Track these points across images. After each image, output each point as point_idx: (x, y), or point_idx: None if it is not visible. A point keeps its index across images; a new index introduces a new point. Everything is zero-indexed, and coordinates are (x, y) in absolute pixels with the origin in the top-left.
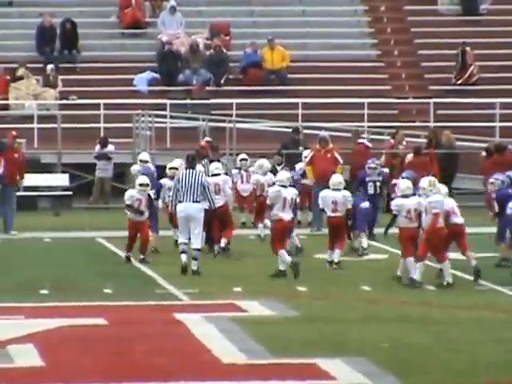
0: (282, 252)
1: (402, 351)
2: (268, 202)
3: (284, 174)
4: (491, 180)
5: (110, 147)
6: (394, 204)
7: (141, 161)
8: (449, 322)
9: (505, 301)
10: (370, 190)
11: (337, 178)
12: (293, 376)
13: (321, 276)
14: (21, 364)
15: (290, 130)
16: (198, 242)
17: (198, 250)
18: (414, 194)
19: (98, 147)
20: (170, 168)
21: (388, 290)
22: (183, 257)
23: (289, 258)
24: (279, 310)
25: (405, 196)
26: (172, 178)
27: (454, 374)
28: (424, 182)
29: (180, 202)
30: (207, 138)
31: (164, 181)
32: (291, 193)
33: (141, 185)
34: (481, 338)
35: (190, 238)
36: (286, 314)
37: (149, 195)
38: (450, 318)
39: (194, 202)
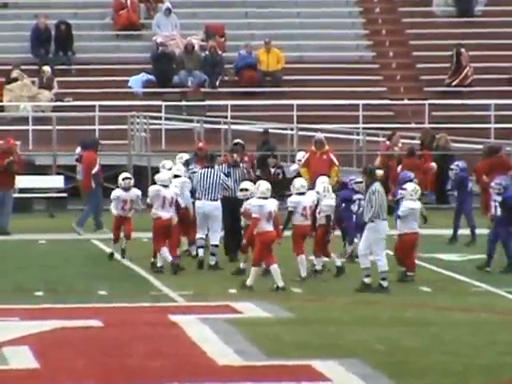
0: (164, 250)
1: (397, 353)
2: (148, 200)
3: (164, 174)
4: (493, 184)
5: None
6: (289, 201)
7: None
8: (444, 324)
9: (500, 303)
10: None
11: (299, 182)
12: (288, 378)
13: (315, 278)
14: (15, 366)
15: (288, 130)
16: (215, 238)
17: (216, 245)
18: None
19: (78, 149)
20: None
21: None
22: (200, 251)
23: (169, 257)
24: (274, 312)
25: (300, 193)
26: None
27: (448, 376)
28: (319, 187)
29: (198, 199)
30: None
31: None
32: (172, 192)
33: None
34: (476, 340)
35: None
36: (281, 316)
37: (177, 200)
38: (444, 319)
39: (211, 200)
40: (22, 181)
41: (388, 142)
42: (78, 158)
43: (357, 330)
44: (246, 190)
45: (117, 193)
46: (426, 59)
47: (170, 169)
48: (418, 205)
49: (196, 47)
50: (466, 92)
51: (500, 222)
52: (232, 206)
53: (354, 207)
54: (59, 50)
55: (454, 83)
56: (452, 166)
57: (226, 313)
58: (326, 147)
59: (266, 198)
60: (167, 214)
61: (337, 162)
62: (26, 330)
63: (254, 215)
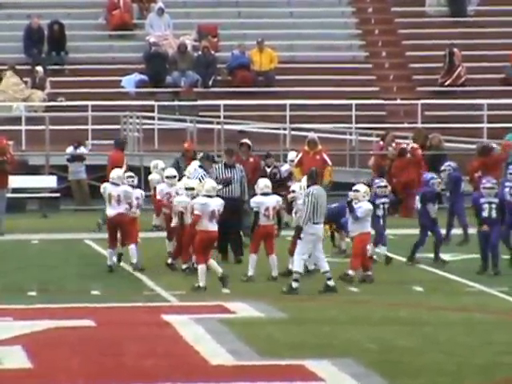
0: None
1: (391, 353)
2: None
3: (117, 172)
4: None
5: (83, 149)
6: (253, 201)
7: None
8: (437, 324)
9: (494, 302)
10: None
11: (263, 182)
12: (280, 377)
13: (307, 277)
14: (9, 366)
15: (281, 130)
16: None
17: None
18: (274, 193)
19: (70, 149)
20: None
21: (375, 291)
22: None
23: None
24: (267, 312)
25: (264, 194)
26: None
27: (442, 376)
28: (295, 186)
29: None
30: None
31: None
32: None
33: (168, 177)
34: (470, 339)
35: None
36: (274, 316)
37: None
38: (438, 319)
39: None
40: (15, 181)
41: (381, 142)
42: (69, 158)
43: (350, 330)
44: (192, 189)
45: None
46: (418, 59)
47: (163, 169)
48: (269, 199)
49: (189, 47)
50: (458, 92)
51: (494, 223)
52: (228, 206)
53: (380, 211)
54: (52, 49)
55: (446, 83)
56: (443, 167)
57: (218, 313)
58: (319, 147)
59: (210, 197)
60: (113, 211)
61: (330, 162)
62: (19, 329)
63: (196, 212)
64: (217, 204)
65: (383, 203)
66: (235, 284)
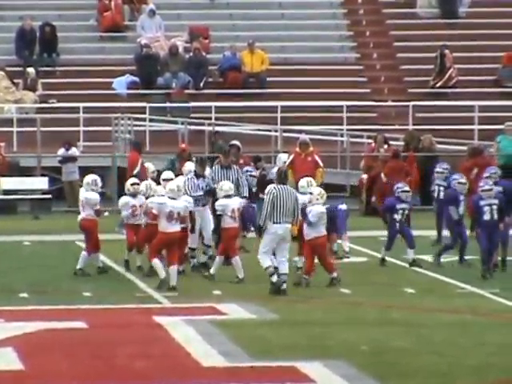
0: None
1: (383, 354)
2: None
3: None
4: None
5: (74, 149)
6: (218, 204)
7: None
8: (430, 325)
9: (486, 304)
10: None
11: (227, 185)
12: (272, 379)
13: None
14: (0, 367)
15: (272, 132)
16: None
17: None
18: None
19: (61, 150)
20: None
21: (368, 293)
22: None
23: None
24: (259, 313)
25: (228, 196)
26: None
27: (435, 378)
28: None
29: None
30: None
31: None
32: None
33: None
34: (463, 341)
35: None
36: (266, 317)
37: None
38: (430, 321)
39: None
40: (7, 182)
41: (373, 144)
42: (61, 160)
43: (342, 331)
44: (138, 184)
45: (125, 199)
46: (409, 61)
47: (152, 172)
48: (233, 201)
49: (180, 49)
50: (450, 93)
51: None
52: None
53: (398, 216)
54: (43, 51)
55: (438, 85)
56: (440, 169)
57: (210, 314)
58: (311, 148)
59: (173, 198)
60: (83, 213)
61: (321, 164)
62: (11, 331)
63: (153, 211)
64: (178, 206)
65: (403, 209)
66: (226, 286)
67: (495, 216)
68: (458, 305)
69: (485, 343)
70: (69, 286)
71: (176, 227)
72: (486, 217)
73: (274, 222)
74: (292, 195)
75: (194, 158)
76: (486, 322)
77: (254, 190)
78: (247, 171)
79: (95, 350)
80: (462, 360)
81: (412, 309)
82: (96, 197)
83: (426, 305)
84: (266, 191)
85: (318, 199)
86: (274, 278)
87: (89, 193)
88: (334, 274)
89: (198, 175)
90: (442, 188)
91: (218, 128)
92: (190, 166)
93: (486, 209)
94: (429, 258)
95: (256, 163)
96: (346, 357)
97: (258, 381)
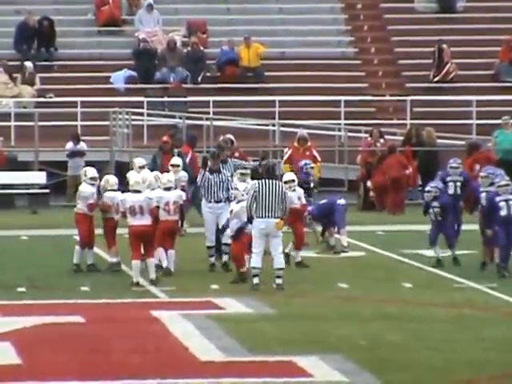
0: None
1: (380, 349)
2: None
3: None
4: (428, 188)
5: (82, 144)
6: (154, 196)
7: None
8: (427, 320)
9: (482, 298)
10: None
11: (167, 177)
12: (269, 373)
13: (297, 273)
14: None
15: (270, 126)
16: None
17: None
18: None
19: (70, 144)
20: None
21: (365, 287)
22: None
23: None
24: (256, 308)
25: (167, 189)
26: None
27: (431, 372)
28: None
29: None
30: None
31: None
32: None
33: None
34: (458, 335)
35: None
36: (263, 312)
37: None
38: (427, 315)
39: (216, 202)
40: (4, 177)
41: (369, 139)
42: (68, 154)
43: (339, 326)
44: (95, 179)
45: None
46: (407, 55)
47: (142, 166)
48: (170, 194)
49: (178, 43)
50: (447, 88)
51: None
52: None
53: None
54: (41, 45)
55: (435, 79)
56: (455, 164)
57: (208, 308)
58: (309, 143)
59: (137, 191)
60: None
61: (319, 158)
62: (9, 325)
63: (120, 209)
64: (137, 199)
65: (433, 207)
66: (224, 280)
67: None
68: (455, 299)
69: (482, 338)
70: (66, 281)
71: (141, 220)
72: (503, 212)
73: (257, 217)
74: (278, 190)
75: (175, 151)
76: (483, 316)
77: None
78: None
79: (93, 344)
80: (459, 355)
81: (409, 303)
82: (89, 190)
83: (423, 299)
84: (250, 186)
85: (243, 195)
86: (255, 280)
87: (83, 185)
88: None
89: (212, 170)
90: (458, 184)
91: (215, 123)
92: (176, 160)
93: (503, 204)
94: (426, 252)
95: (261, 161)
96: (343, 351)
97: (255, 375)
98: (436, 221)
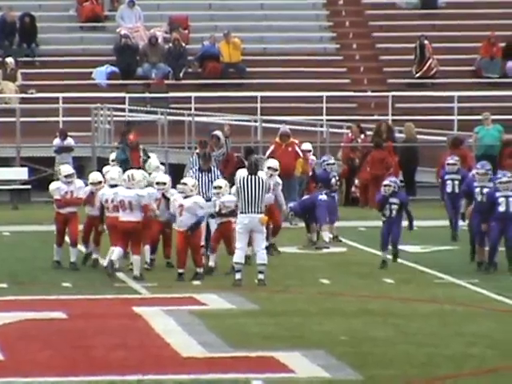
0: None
1: (362, 344)
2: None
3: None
4: (386, 183)
5: (70, 140)
6: (100, 192)
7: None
8: (409, 315)
9: (464, 294)
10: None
11: (111, 174)
12: (251, 369)
13: (280, 269)
14: None
15: (252, 122)
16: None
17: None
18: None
19: (57, 140)
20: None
21: (347, 283)
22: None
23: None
24: (238, 304)
25: (112, 186)
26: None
27: (413, 367)
28: (221, 182)
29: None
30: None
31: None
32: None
33: (158, 183)
34: (440, 331)
35: None
36: (245, 308)
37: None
38: (409, 311)
39: (205, 201)
40: None
41: (350, 135)
42: (56, 150)
43: (322, 322)
44: (164, 183)
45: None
46: (389, 51)
47: (112, 160)
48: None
49: (159, 39)
50: (429, 84)
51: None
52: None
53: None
54: (23, 41)
55: (417, 75)
56: (452, 161)
57: (190, 304)
58: (291, 139)
59: (114, 186)
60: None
61: (301, 154)
62: None
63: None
64: (128, 195)
65: (391, 203)
66: (206, 276)
67: (511, 208)
68: (436, 295)
69: (463, 333)
70: (48, 277)
71: (130, 217)
72: (502, 208)
73: (240, 212)
74: (261, 185)
75: (140, 147)
76: (464, 312)
77: None
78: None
79: (74, 340)
80: (440, 350)
81: (391, 299)
82: (53, 187)
83: (405, 295)
84: (236, 181)
85: (191, 190)
86: (238, 276)
87: (53, 182)
88: (199, 269)
89: (203, 169)
90: (456, 182)
91: (197, 119)
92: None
93: (502, 200)
94: (407, 248)
95: (247, 156)
96: (325, 347)
97: (237, 371)
98: (389, 219)
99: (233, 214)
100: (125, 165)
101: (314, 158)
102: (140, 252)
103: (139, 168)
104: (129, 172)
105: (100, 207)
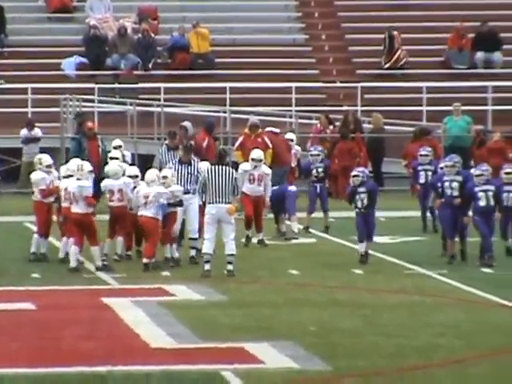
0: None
1: (331, 335)
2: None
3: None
4: (354, 173)
5: (37, 130)
6: (102, 184)
7: (114, 147)
8: (377, 306)
9: (432, 285)
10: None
11: (68, 165)
12: (220, 360)
13: (249, 260)
14: None
15: (221, 113)
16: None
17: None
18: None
19: (24, 131)
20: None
21: (316, 274)
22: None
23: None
24: (207, 295)
25: (67, 176)
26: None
27: (382, 358)
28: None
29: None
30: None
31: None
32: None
33: (130, 176)
34: (409, 321)
35: None
36: (215, 299)
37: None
38: (378, 301)
39: (184, 193)
40: None
41: (319, 125)
42: (24, 140)
43: (290, 312)
44: (136, 176)
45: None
46: (358, 42)
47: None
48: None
49: (129, 30)
50: (398, 75)
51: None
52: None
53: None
54: None
55: (386, 66)
56: (424, 152)
57: (158, 295)
58: (260, 130)
59: (70, 176)
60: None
61: (270, 145)
62: None
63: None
64: (117, 184)
65: (360, 192)
66: (175, 267)
67: (491, 202)
68: (405, 286)
69: (432, 324)
70: (17, 268)
71: (76, 209)
72: (482, 203)
73: (208, 203)
74: (228, 175)
75: (99, 136)
76: (433, 302)
77: None
78: None
79: (43, 331)
80: (409, 341)
81: (359, 290)
82: (39, 176)
83: (374, 286)
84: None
85: (173, 181)
86: (207, 267)
87: (36, 172)
88: (150, 260)
89: (183, 162)
90: (429, 173)
91: (166, 109)
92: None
93: (481, 195)
94: (377, 239)
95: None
96: (293, 337)
97: (206, 362)
98: (361, 210)
99: (180, 203)
100: (82, 156)
101: (298, 148)
102: (97, 243)
103: (98, 158)
104: (79, 162)
105: (58, 198)
